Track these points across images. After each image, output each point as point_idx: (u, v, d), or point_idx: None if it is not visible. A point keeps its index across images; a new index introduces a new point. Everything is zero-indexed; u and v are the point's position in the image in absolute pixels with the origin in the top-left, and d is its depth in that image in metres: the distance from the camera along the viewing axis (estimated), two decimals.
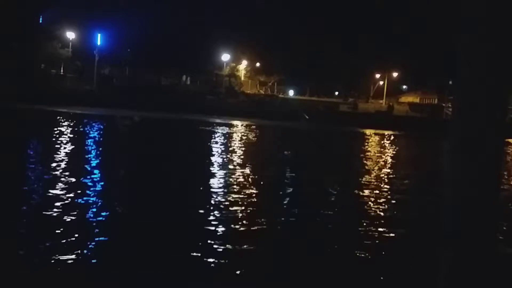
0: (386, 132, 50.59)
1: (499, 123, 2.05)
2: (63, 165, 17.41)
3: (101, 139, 29.17)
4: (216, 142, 30.58)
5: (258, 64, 79.56)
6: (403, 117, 65.02)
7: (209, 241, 9.73)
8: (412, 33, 66.30)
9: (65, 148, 22.33)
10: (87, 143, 26.01)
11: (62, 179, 14.77)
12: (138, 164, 20.03)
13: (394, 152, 33.42)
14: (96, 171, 17.09)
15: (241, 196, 14.15)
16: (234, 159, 22.55)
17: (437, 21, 58.25)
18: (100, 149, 24.47)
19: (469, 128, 2.06)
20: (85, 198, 12.73)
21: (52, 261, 8.14)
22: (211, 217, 11.57)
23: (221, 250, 9.26)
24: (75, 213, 11.17)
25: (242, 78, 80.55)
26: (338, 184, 17.31)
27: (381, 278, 8.63)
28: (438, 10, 56.71)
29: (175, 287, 7.75)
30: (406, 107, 76.44)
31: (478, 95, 2.04)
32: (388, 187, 17.85)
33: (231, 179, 16.94)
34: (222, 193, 14.52)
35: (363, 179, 19.09)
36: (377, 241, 10.65)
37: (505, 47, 2.02)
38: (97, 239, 9.59)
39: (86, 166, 17.91)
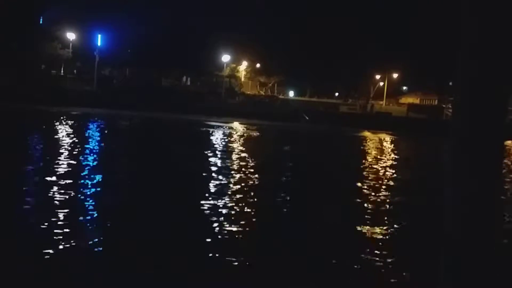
0: (385, 134, 50.62)
1: (499, 123, 2.06)
2: (61, 166, 17.41)
3: (100, 139, 29.20)
4: (214, 144, 30.56)
5: (258, 65, 79.60)
6: (403, 118, 65.09)
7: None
8: (412, 34, 66.31)
9: (63, 148, 22.32)
10: (86, 143, 25.99)
11: (60, 181, 14.77)
12: (135, 164, 20.06)
13: (392, 153, 33.43)
14: (95, 172, 17.09)
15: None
16: (230, 161, 22.55)
17: (437, 22, 58.25)
18: (99, 149, 24.46)
19: (469, 128, 2.07)
20: (83, 198, 12.73)
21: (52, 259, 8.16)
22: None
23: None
24: (76, 212, 11.18)
25: (242, 79, 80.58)
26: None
27: (382, 276, 8.62)
28: (438, 11, 56.73)
29: (175, 287, 7.75)
30: (406, 108, 76.43)
31: (478, 95, 2.05)
32: (386, 188, 17.87)
33: (227, 184, 16.94)
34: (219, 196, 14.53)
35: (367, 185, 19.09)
36: (376, 239, 10.65)
37: (505, 47, 2.03)
38: (94, 236, 9.60)
39: (85, 167, 17.91)
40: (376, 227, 11.88)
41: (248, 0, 68.62)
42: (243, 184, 16.28)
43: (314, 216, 12.90)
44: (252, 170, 19.58)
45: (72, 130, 32.00)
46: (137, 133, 36.31)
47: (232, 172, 18.82)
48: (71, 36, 66.95)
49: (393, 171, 23.04)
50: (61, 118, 38.60)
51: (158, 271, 8.06)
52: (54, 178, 14.77)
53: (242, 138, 35.20)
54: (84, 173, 16.38)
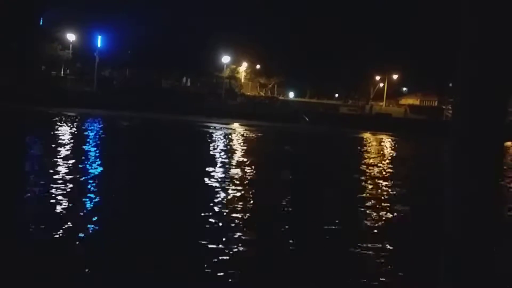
0: (385, 135, 50.64)
1: (499, 123, 2.06)
2: (59, 166, 17.42)
3: (100, 139, 29.19)
4: (214, 145, 30.56)
5: (258, 66, 79.54)
6: (403, 119, 65.12)
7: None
8: (412, 34, 66.33)
9: (63, 149, 22.32)
10: (85, 144, 26.00)
11: (59, 180, 14.77)
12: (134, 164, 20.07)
13: (392, 154, 33.46)
14: (95, 172, 17.10)
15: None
16: (230, 162, 22.55)
17: (437, 22, 58.27)
18: (99, 150, 24.47)
19: (469, 128, 2.07)
20: (82, 198, 12.73)
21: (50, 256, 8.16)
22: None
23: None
24: (75, 212, 11.18)
25: (242, 80, 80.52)
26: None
27: (382, 276, 8.62)
28: (438, 11, 56.74)
29: (174, 287, 7.75)
30: (404, 109, 76.36)
31: (478, 95, 2.05)
32: (384, 188, 17.87)
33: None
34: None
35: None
36: (376, 239, 10.64)
37: (505, 47, 2.03)
38: (93, 235, 9.60)
39: (84, 167, 17.91)
40: (376, 227, 11.88)
41: (248, 0, 68.68)
42: (243, 185, 16.27)
43: (314, 216, 12.90)
44: (252, 171, 19.59)
45: (71, 131, 32.00)
46: (137, 134, 36.30)
47: (232, 173, 18.81)
48: (71, 37, 66.93)
49: (393, 171, 23.04)
50: (61, 119, 38.60)
51: (158, 271, 8.06)
52: (52, 178, 14.77)
53: (242, 139, 35.20)
54: (83, 173, 16.37)
